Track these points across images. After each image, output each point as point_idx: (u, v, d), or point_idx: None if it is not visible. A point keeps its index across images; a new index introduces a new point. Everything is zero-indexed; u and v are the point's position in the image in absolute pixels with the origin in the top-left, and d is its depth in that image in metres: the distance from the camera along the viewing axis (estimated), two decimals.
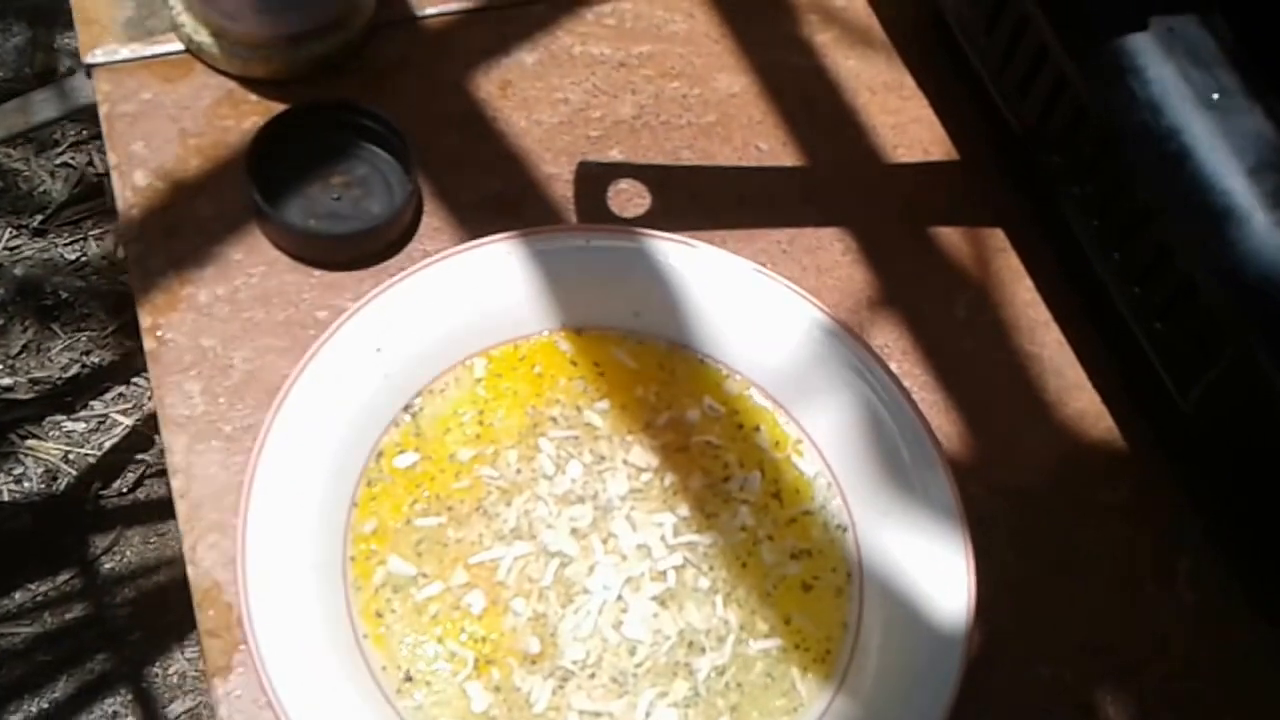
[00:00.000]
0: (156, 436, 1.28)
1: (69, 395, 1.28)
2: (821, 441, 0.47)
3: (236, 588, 0.40)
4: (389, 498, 0.44)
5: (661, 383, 0.48)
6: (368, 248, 0.49)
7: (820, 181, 0.56)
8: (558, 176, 0.53)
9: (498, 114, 0.54)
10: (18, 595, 1.19)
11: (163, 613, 1.22)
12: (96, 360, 1.30)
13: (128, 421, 1.29)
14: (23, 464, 1.25)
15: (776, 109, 0.57)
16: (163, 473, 1.27)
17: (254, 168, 0.48)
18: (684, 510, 0.46)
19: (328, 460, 0.44)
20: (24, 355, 1.29)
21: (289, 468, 0.42)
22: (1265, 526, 0.46)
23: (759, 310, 0.48)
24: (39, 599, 1.20)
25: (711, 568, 0.45)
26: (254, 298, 0.48)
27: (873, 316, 0.52)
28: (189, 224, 0.49)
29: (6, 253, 1.33)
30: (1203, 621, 0.47)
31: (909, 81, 0.59)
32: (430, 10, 0.56)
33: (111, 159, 0.49)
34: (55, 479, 1.25)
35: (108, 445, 1.28)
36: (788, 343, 0.48)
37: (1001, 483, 0.49)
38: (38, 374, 1.29)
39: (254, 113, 0.52)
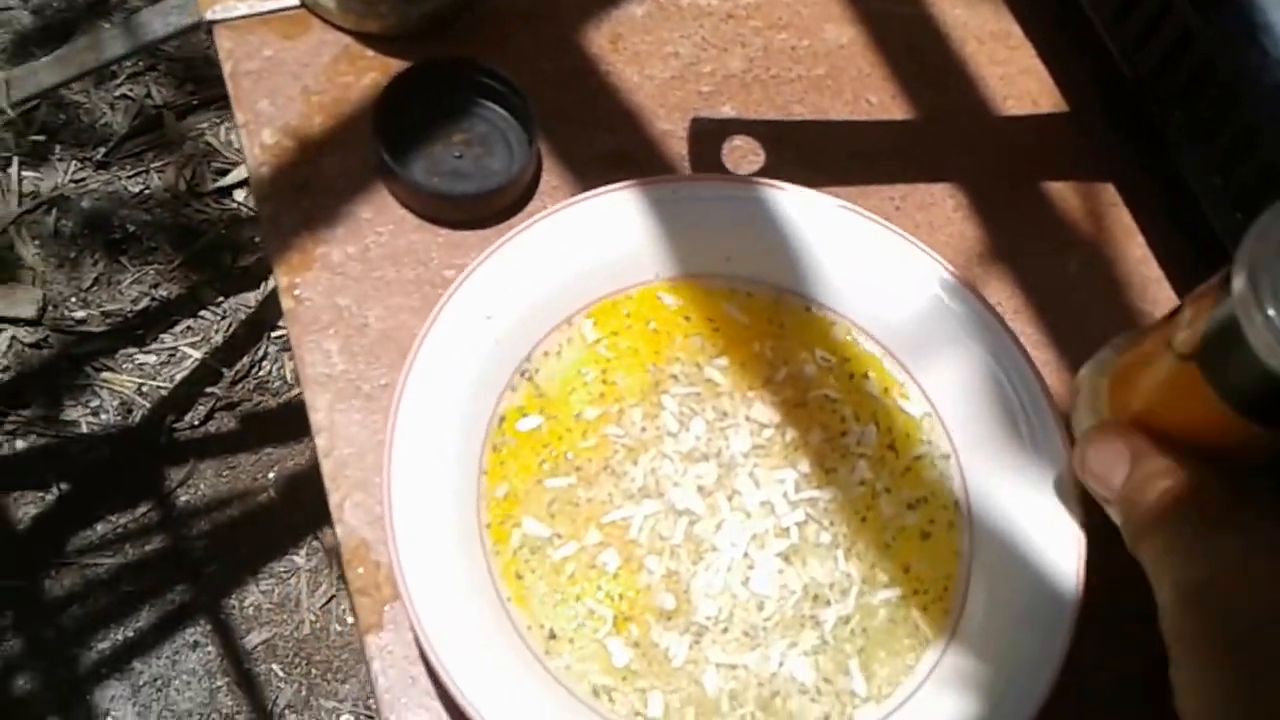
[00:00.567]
0: (224, 370, 1.30)
1: (139, 328, 1.31)
2: (927, 384, 0.48)
3: (385, 546, 0.41)
4: (516, 461, 0.45)
5: (774, 336, 0.49)
6: (492, 207, 0.50)
7: (930, 135, 0.55)
8: (671, 133, 0.53)
9: (610, 69, 0.54)
10: (99, 527, 1.22)
11: (236, 546, 1.25)
12: (164, 294, 1.32)
13: (196, 354, 1.31)
14: (99, 396, 1.28)
15: (885, 60, 0.57)
16: (231, 406, 1.29)
17: (381, 127, 0.48)
18: (805, 466, 0.47)
19: (456, 429, 0.44)
20: (95, 288, 1.31)
21: (421, 439, 0.43)
22: None
23: (874, 259, 0.49)
24: (119, 530, 1.23)
25: (832, 523, 0.46)
26: (384, 256, 0.49)
27: (985, 273, 0.53)
28: (317, 182, 0.49)
29: (73, 185, 1.34)
30: None
31: (1016, 30, 0.58)
32: None
33: (239, 117, 0.50)
34: (130, 412, 1.28)
35: (178, 378, 1.30)
36: (902, 292, 0.48)
37: None
38: (109, 307, 1.31)
39: (371, 69, 0.52)
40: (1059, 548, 0.44)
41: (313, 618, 1.23)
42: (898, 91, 0.56)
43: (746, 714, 0.43)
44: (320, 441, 0.44)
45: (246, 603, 1.23)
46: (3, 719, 1.17)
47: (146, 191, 1.36)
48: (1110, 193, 0.55)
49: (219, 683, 1.22)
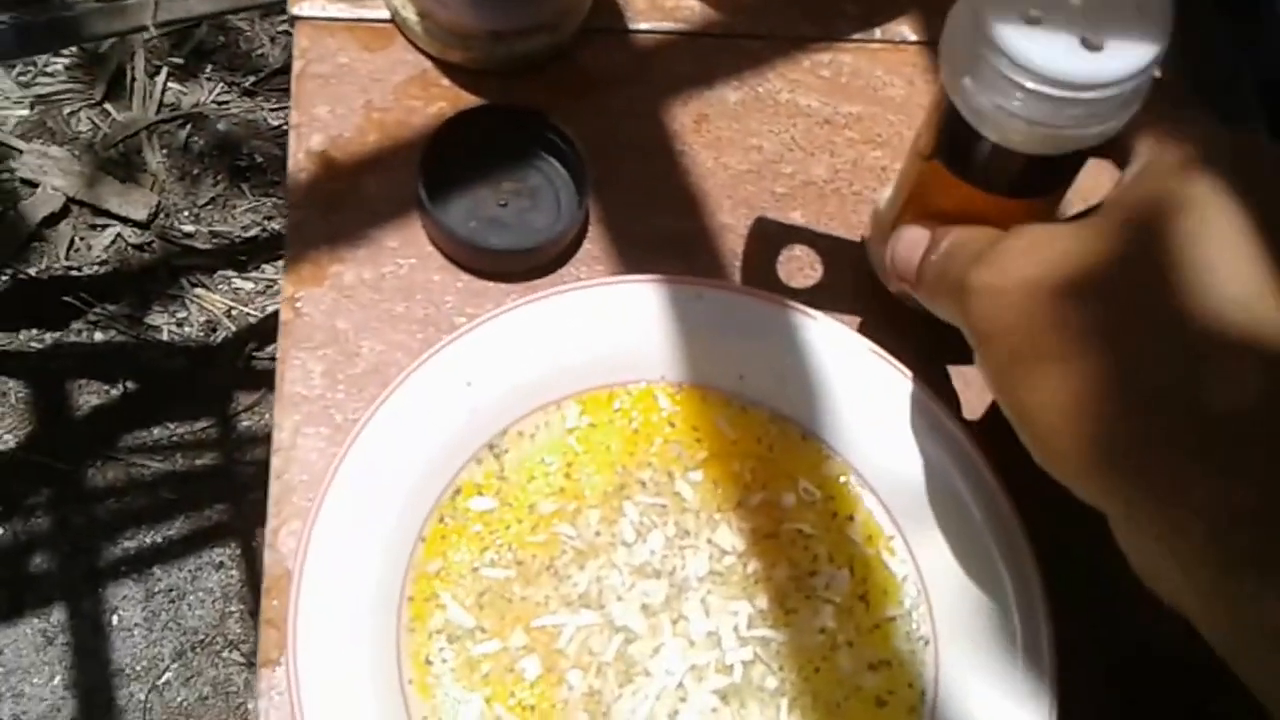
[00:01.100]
0: None
1: (243, 254, 1.33)
2: (919, 548, 0.45)
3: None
4: (460, 538, 0.43)
5: (758, 458, 0.46)
6: (523, 264, 0.48)
7: None
8: (731, 228, 0.51)
9: (686, 148, 0.52)
10: (156, 431, 1.25)
11: None
12: (276, 227, 1.34)
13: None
14: (187, 309, 1.31)
15: None
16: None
17: (429, 159, 0.47)
18: (763, 601, 0.44)
19: (405, 487, 0.43)
20: (210, 207, 1.34)
21: (366, 483, 0.42)
22: None
23: (893, 410, 0.46)
24: (174, 439, 1.26)
25: (782, 668, 0.43)
26: (398, 288, 0.47)
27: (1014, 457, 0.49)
28: (353, 199, 0.48)
29: (214, 106, 1.37)
30: None
31: None
32: (643, 25, 0.54)
33: (294, 118, 0.49)
34: (214, 330, 1.30)
35: (269, 310, 1.32)
36: (914, 449, 0.45)
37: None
38: (219, 228, 1.34)
39: (442, 98, 0.51)
40: None
41: None
42: None
43: None
44: (275, 461, 0.43)
45: None
46: (11, 590, 1.21)
47: (284, 128, 1.39)
48: None
49: (233, 608, 1.24)
